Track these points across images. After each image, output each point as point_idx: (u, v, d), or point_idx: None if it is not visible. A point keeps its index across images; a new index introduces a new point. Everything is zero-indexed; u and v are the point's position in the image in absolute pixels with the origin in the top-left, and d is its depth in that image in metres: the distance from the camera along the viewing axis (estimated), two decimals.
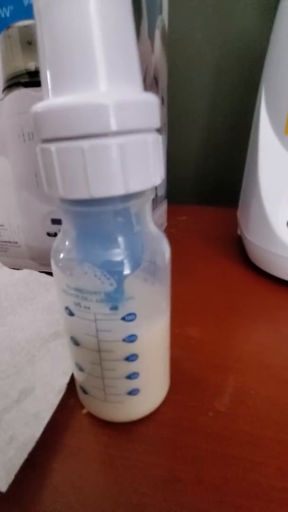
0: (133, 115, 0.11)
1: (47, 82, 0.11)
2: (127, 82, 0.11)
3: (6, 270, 0.32)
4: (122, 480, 0.16)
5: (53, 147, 0.11)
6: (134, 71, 0.12)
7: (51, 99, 0.11)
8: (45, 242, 0.31)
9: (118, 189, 0.11)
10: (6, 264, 0.33)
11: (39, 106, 0.11)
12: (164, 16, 0.32)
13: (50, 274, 0.31)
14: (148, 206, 0.14)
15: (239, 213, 0.36)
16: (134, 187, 0.12)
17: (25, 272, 0.31)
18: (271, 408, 0.19)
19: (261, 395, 0.20)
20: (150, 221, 0.15)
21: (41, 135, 0.11)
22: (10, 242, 0.33)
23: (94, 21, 0.10)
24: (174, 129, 0.48)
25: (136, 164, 0.11)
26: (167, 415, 0.19)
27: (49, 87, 0.11)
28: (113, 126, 0.11)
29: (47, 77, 0.11)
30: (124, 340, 0.15)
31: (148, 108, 0.12)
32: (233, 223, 0.40)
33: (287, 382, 0.21)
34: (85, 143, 0.11)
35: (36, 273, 0.31)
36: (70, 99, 0.11)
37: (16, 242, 0.32)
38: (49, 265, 0.33)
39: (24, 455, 0.15)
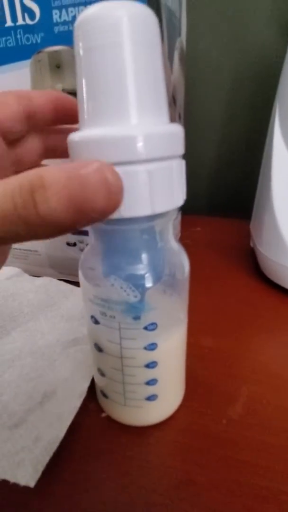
0: (159, 145, 0.12)
1: (84, 114, 0.13)
2: (155, 115, 0.13)
3: (27, 277, 0.33)
4: (140, 480, 0.17)
5: None
6: (162, 104, 0.13)
7: (87, 130, 0.12)
8: (64, 251, 0.33)
9: (145, 210, 0.12)
10: (26, 271, 0.35)
11: (76, 136, 0.12)
12: (182, 38, 0.34)
13: (68, 282, 0.32)
14: (170, 224, 0.15)
15: (252, 226, 0.36)
16: (160, 209, 0.13)
17: (45, 280, 0.32)
18: (282, 416, 0.20)
19: (273, 404, 0.20)
20: (172, 237, 0.16)
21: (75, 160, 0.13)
22: (30, 250, 0.34)
23: (127, 63, 0.12)
24: (190, 142, 0.49)
25: (162, 187, 0.13)
26: (183, 421, 0.20)
27: (86, 119, 0.13)
28: (142, 155, 0.12)
29: (84, 110, 0.13)
30: (145, 348, 0.16)
31: (173, 138, 0.13)
32: (246, 235, 0.40)
33: None
34: (118, 170, 0.12)
35: (55, 280, 0.32)
36: (105, 131, 0.12)
37: (37, 251, 0.34)
38: (67, 273, 0.34)
39: (50, 453, 0.16)
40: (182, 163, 0.14)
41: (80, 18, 0.12)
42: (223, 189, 0.53)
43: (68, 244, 0.33)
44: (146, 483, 0.17)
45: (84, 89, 0.12)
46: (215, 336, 0.26)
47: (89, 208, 0.10)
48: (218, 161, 0.52)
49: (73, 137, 0.13)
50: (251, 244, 0.37)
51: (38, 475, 0.15)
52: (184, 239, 0.43)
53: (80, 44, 0.12)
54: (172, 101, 0.32)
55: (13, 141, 0.15)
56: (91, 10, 0.12)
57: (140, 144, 0.12)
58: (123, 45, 0.12)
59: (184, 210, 0.45)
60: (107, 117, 0.12)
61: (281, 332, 0.27)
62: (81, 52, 0.12)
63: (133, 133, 0.12)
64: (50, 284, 0.32)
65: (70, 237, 0.32)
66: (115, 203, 0.11)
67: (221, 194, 0.54)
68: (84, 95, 0.12)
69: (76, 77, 0.13)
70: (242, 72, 0.45)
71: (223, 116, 0.49)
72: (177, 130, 0.13)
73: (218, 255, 0.39)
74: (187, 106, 0.41)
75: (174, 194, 0.13)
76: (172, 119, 0.33)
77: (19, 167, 0.16)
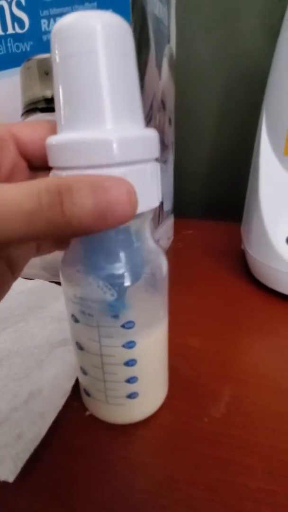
0: (133, 148, 0.13)
1: (61, 119, 0.13)
2: (129, 120, 0.13)
3: (19, 279, 0.33)
4: (120, 477, 0.17)
5: (64, 173, 0.13)
6: (136, 110, 0.13)
7: (64, 134, 0.13)
8: (56, 254, 0.33)
9: None
10: None
11: (53, 139, 0.13)
12: (171, 45, 0.35)
13: (60, 284, 0.33)
14: (147, 224, 0.16)
15: (242, 228, 0.37)
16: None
17: (36, 282, 0.33)
18: (264, 415, 0.20)
19: (256, 404, 0.21)
20: (150, 237, 0.16)
21: (54, 164, 0.13)
22: None
23: (101, 71, 0.12)
24: (181, 146, 0.50)
25: (136, 190, 0.13)
26: (165, 419, 0.20)
27: (63, 124, 0.13)
28: (116, 159, 0.12)
29: (61, 115, 0.13)
30: (123, 346, 0.16)
31: (147, 142, 0.13)
32: (238, 238, 0.41)
33: (282, 391, 0.21)
34: (92, 172, 0.12)
35: (47, 283, 0.33)
36: (80, 135, 0.12)
37: None
38: (59, 275, 0.34)
39: (31, 450, 0.17)
40: (157, 166, 0.14)
41: (57, 26, 0.12)
42: (215, 192, 0.54)
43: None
44: (126, 480, 0.17)
45: (61, 95, 0.13)
46: (203, 337, 0.27)
47: (110, 216, 0.11)
48: (209, 164, 0.52)
49: (51, 140, 0.13)
50: (242, 247, 0.37)
51: (17, 470, 0.16)
52: (176, 242, 0.44)
53: (56, 52, 0.13)
54: (162, 106, 0.33)
55: (36, 168, 0.16)
56: (67, 19, 0.12)
57: (114, 148, 0.12)
58: (97, 54, 0.12)
59: (177, 213, 0.45)
60: (82, 122, 0.13)
61: (268, 333, 0.27)
62: (57, 59, 0.13)
63: (108, 137, 0.12)
64: (42, 287, 0.32)
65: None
66: (132, 214, 0.12)
67: (213, 197, 0.54)
68: (61, 100, 0.13)
69: (53, 83, 0.13)
70: (233, 77, 0.46)
71: (215, 120, 0.49)
72: (151, 134, 0.14)
73: (210, 257, 0.40)
74: (178, 111, 0.41)
75: (149, 196, 0.14)
76: (162, 124, 0.34)
77: None
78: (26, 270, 0.35)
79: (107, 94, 0.12)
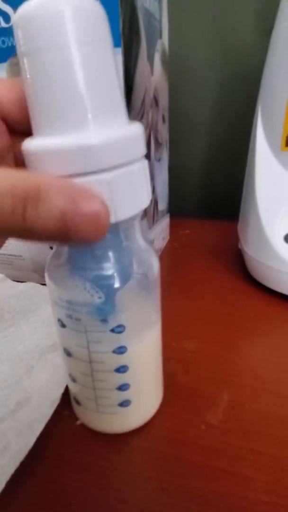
0: (119, 152, 0.12)
1: (36, 120, 0.12)
2: (111, 116, 0.12)
3: (10, 282, 0.33)
4: (111, 491, 0.16)
5: None
6: (117, 103, 0.12)
7: (42, 138, 0.12)
8: (48, 256, 0.32)
9: None
10: (10, 276, 0.34)
11: (31, 145, 0.12)
12: (164, 40, 0.34)
13: None
14: (136, 222, 0.15)
15: (239, 227, 0.36)
16: (122, 216, 0.12)
17: (27, 285, 0.32)
18: (264, 422, 0.19)
19: (255, 409, 0.20)
20: (139, 236, 0.15)
21: (31, 171, 0.12)
22: (15, 255, 0.34)
23: (75, 65, 0.11)
24: (177, 144, 0.49)
25: (123, 194, 0.12)
26: (160, 427, 0.19)
27: (38, 125, 0.12)
28: (100, 165, 0.11)
29: (35, 115, 0.12)
30: (114, 351, 0.16)
31: (132, 141, 0.12)
32: (235, 237, 0.40)
33: (281, 396, 0.21)
34: (77, 181, 0.11)
35: (38, 286, 0.32)
36: (59, 142, 0.11)
37: (21, 256, 0.33)
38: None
39: (17, 463, 0.16)
40: (145, 163, 0.13)
41: (19, 14, 0.11)
42: (211, 190, 0.53)
43: (52, 248, 0.32)
44: (117, 493, 0.16)
45: (32, 93, 0.11)
46: (199, 339, 0.26)
47: (73, 234, 0.10)
48: (205, 162, 0.51)
49: (28, 146, 0.12)
50: (239, 246, 0.37)
51: (2, 486, 0.15)
52: (172, 242, 0.43)
53: (21, 44, 0.11)
54: (154, 102, 0.32)
55: (16, 132, 0.14)
56: (31, 5, 0.10)
57: (97, 154, 0.11)
58: (68, 46, 0.11)
59: (172, 212, 0.44)
60: (60, 124, 0.11)
61: (266, 335, 0.26)
62: (22, 52, 0.11)
63: (89, 143, 0.11)
64: (33, 290, 0.31)
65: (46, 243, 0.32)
66: (98, 238, 0.11)
67: (209, 195, 0.53)
68: (33, 100, 0.11)
69: (22, 79, 0.12)
70: (228, 73, 0.45)
71: (210, 117, 0.48)
72: (136, 131, 0.12)
73: (207, 257, 0.39)
74: (172, 108, 0.41)
75: (137, 198, 0.13)
76: (155, 121, 0.33)
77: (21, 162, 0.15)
78: (17, 272, 0.34)
79: (84, 92, 0.11)
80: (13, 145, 0.14)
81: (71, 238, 0.11)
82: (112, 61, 0.12)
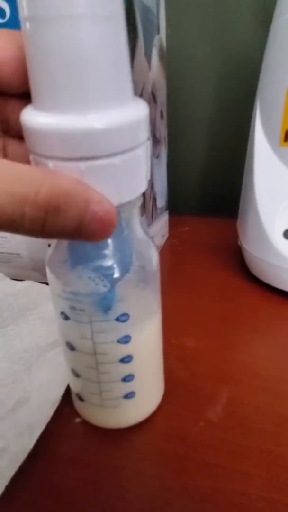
0: (124, 137, 0.11)
1: (38, 91, 0.11)
2: (118, 98, 0.11)
3: (8, 281, 0.32)
4: (110, 488, 0.16)
5: (50, 163, 0.11)
6: (125, 84, 0.12)
7: (43, 113, 0.11)
8: (46, 253, 0.32)
9: (112, 201, 0.12)
10: (9, 275, 0.34)
11: (32, 120, 0.11)
12: (161, 35, 0.33)
13: None
14: (136, 211, 0.15)
15: (238, 224, 0.36)
16: (127, 197, 0.12)
17: (26, 283, 0.32)
18: (263, 418, 0.19)
19: (254, 406, 0.20)
20: (139, 226, 0.15)
21: (35, 150, 0.12)
22: (13, 253, 0.34)
23: (85, 39, 0.10)
24: (175, 141, 0.48)
25: (128, 177, 0.12)
26: (159, 424, 0.19)
27: (41, 98, 0.11)
28: (105, 150, 0.11)
29: (38, 87, 0.11)
30: (118, 341, 0.16)
31: (138, 125, 0.12)
32: (234, 234, 0.40)
33: (280, 393, 0.21)
34: (81, 165, 0.11)
35: (37, 284, 0.32)
36: (63, 122, 0.11)
37: (19, 254, 0.33)
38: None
39: (16, 466, 0.16)
40: (147, 144, 0.13)
41: None
42: (210, 187, 0.53)
43: (50, 246, 0.32)
44: (116, 491, 0.16)
45: (35, 63, 0.11)
46: (198, 336, 0.26)
47: (85, 236, 0.11)
48: (204, 158, 0.51)
49: (33, 121, 0.11)
50: (239, 243, 0.36)
51: (1, 489, 0.15)
52: (171, 239, 0.42)
53: (24, 8, 0.10)
54: (152, 98, 0.32)
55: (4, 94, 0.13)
56: None
57: (108, 139, 0.11)
58: (78, 18, 0.10)
59: (171, 209, 0.44)
60: (68, 102, 0.11)
61: (265, 331, 0.26)
62: (26, 19, 0.10)
63: (101, 127, 0.11)
64: (32, 288, 0.31)
65: (52, 239, 0.32)
66: (109, 235, 0.11)
67: (208, 192, 0.53)
68: (36, 69, 0.11)
69: (24, 45, 0.11)
70: (226, 69, 0.45)
71: (209, 113, 0.48)
72: (142, 113, 0.12)
73: (206, 254, 0.39)
74: (170, 105, 0.40)
75: (140, 180, 0.13)
76: (153, 117, 0.33)
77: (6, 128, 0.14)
78: (15, 270, 0.34)
79: (93, 72, 0.10)
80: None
81: (84, 238, 0.11)
82: (123, 36, 0.11)
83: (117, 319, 0.15)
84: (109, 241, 0.14)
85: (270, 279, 0.30)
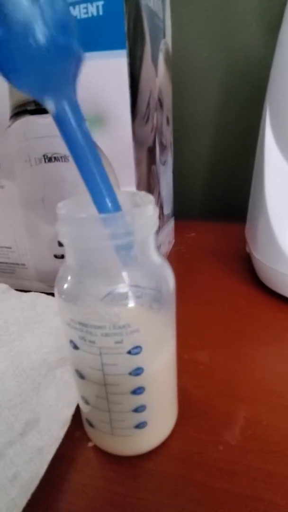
0: None
1: None
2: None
3: (14, 293, 0.32)
4: None
5: None
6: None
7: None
8: (52, 264, 0.31)
9: None
10: (13, 286, 0.33)
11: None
12: (167, 40, 0.33)
13: None
14: (151, 237, 0.14)
15: (246, 231, 0.35)
16: None
17: (32, 295, 0.31)
18: (284, 440, 0.18)
19: (273, 426, 0.19)
20: (154, 251, 0.15)
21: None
22: (17, 264, 0.33)
23: None
24: (180, 146, 0.48)
25: None
26: (175, 448, 0.18)
27: None
28: None
29: None
30: (130, 373, 0.15)
31: None
32: (242, 240, 0.39)
33: None
34: None
35: (43, 295, 0.31)
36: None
37: (24, 264, 0.33)
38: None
39: (28, 495, 0.15)
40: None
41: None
42: (217, 192, 0.52)
43: (56, 256, 0.31)
44: None
45: None
46: (211, 350, 0.25)
47: None
48: (210, 163, 0.50)
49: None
50: (247, 249, 0.36)
51: None
52: (178, 246, 0.42)
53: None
54: (159, 104, 0.31)
55: None
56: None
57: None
58: None
59: (178, 215, 0.43)
60: None
61: (280, 344, 0.25)
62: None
63: None
64: (38, 300, 0.31)
65: (58, 249, 0.31)
66: None
67: (215, 197, 0.52)
68: None
69: None
70: (232, 72, 0.44)
71: (215, 118, 0.47)
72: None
73: (214, 261, 0.38)
74: (176, 109, 0.40)
75: None
76: (160, 123, 0.32)
77: None
78: (20, 281, 0.33)
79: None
80: None
81: None
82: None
83: (129, 352, 0.14)
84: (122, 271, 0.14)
85: (282, 289, 0.29)
